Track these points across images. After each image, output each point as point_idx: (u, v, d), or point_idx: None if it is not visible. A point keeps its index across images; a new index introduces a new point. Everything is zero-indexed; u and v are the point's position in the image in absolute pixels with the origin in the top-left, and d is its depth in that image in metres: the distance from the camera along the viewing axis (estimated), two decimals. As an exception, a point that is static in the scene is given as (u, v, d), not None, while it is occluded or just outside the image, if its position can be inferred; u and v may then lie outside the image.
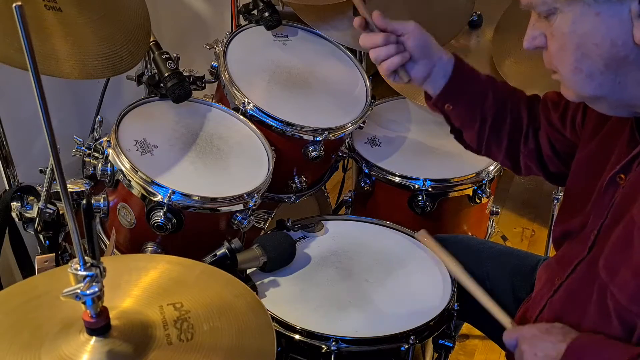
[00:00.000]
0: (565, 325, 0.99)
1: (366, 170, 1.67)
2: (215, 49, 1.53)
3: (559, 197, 2.02)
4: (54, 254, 1.24)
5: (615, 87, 0.88)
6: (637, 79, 0.86)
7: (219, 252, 1.20)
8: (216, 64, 1.52)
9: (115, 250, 1.35)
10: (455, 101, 1.21)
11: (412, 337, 1.13)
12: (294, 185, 1.55)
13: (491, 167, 1.67)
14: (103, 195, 1.33)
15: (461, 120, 1.24)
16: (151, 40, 1.37)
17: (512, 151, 1.25)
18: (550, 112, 1.19)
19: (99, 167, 1.27)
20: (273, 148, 1.41)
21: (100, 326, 0.73)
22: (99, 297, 0.70)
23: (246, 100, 1.44)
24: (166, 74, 1.34)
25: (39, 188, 1.30)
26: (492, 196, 1.76)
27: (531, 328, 1.03)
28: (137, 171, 1.23)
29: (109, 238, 1.35)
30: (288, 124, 1.44)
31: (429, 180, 1.61)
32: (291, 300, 1.21)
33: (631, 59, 0.84)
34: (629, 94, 0.88)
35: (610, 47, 0.84)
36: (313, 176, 1.62)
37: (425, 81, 1.19)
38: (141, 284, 0.85)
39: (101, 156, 1.28)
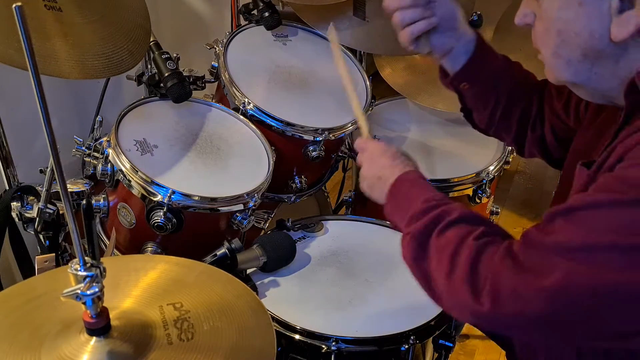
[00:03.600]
0: (410, 159, 1.08)
1: (366, 170, 1.67)
2: (215, 49, 1.53)
3: (559, 196, 2.02)
4: (54, 254, 1.24)
5: (592, 77, 0.88)
6: (613, 71, 0.86)
7: (219, 252, 1.20)
8: (216, 64, 1.52)
9: (115, 250, 1.35)
10: (473, 81, 1.18)
11: (412, 337, 1.13)
12: (294, 185, 1.55)
13: (491, 167, 1.67)
14: (103, 195, 1.33)
15: (475, 101, 1.22)
16: (151, 40, 1.37)
17: (520, 136, 1.24)
18: (553, 100, 1.19)
19: (99, 167, 1.27)
20: (273, 148, 1.41)
21: (100, 326, 0.73)
22: (99, 297, 0.70)
23: (246, 100, 1.44)
24: (166, 74, 1.34)
25: (39, 188, 1.30)
26: (492, 196, 1.76)
27: (378, 144, 1.10)
28: (137, 171, 1.23)
29: (109, 238, 1.35)
30: (288, 124, 1.44)
31: (429, 180, 1.60)
32: (291, 300, 1.21)
33: (607, 53, 0.85)
34: (604, 85, 0.89)
35: (588, 38, 0.84)
36: (313, 176, 1.62)
37: (445, 56, 1.15)
38: (141, 284, 0.85)
39: (101, 156, 1.28)
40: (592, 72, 0.88)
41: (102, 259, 0.73)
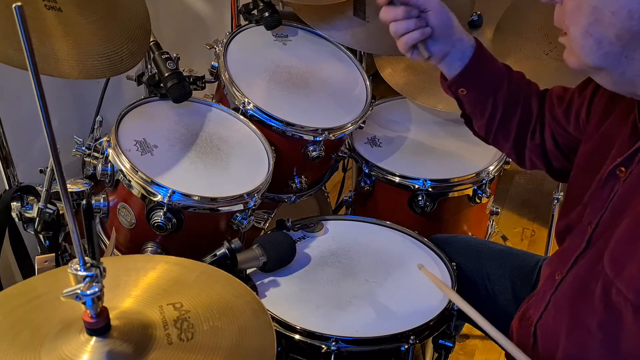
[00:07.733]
0: None
1: (366, 170, 1.67)
2: (215, 49, 1.53)
3: (559, 197, 2.02)
4: (54, 254, 1.24)
5: (622, 61, 0.86)
6: None
7: (219, 252, 1.20)
8: (216, 64, 1.52)
9: (115, 250, 1.35)
10: (470, 87, 1.20)
11: (412, 337, 1.13)
12: (294, 185, 1.55)
13: (491, 167, 1.67)
14: (103, 195, 1.33)
15: (473, 107, 1.23)
16: (151, 40, 1.37)
17: (519, 144, 1.25)
18: (554, 106, 1.19)
19: (99, 167, 1.27)
20: (273, 148, 1.41)
21: (100, 326, 0.73)
22: (99, 297, 0.70)
23: (246, 100, 1.44)
24: (166, 74, 1.34)
25: (39, 188, 1.30)
26: (492, 196, 1.76)
27: None
28: (137, 171, 1.23)
29: (109, 238, 1.35)
30: (288, 124, 1.44)
31: (429, 180, 1.61)
32: (291, 300, 1.21)
33: None
34: (634, 70, 0.86)
35: (625, 18, 0.82)
36: (313, 176, 1.62)
37: (442, 60, 1.18)
38: (141, 284, 0.84)
39: (101, 156, 1.28)
40: (622, 56, 0.85)
41: (102, 259, 0.73)
